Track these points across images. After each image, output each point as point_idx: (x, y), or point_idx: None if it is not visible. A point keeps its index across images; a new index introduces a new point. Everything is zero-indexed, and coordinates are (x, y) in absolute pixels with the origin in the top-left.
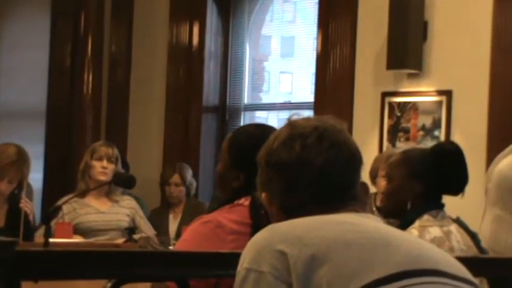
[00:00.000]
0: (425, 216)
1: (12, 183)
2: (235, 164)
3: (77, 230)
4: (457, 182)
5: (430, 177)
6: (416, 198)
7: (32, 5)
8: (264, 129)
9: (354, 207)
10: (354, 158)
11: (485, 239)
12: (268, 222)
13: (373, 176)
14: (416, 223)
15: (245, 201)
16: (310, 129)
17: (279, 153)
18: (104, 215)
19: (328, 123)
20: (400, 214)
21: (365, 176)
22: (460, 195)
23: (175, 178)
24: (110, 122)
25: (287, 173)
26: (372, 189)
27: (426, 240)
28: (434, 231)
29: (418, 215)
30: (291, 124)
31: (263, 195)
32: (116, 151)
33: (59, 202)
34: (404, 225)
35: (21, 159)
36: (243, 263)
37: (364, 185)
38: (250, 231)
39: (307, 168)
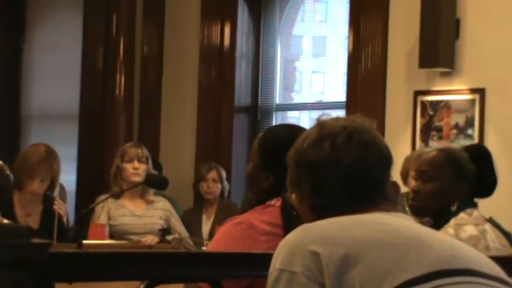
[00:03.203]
0: (461, 215)
1: (44, 182)
2: (265, 165)
3: (111, 231)
4: (493, 185)
5: (474, 179)
6: (461, 199)
7: (64, 7)
8: (294, 130)
9: (385, 207)
10: (384, 157)
11: None
12: (300, 224)
13: (405, 176)
14: (452, 221)
15: (276, 202)
16: (339, 129)
17: (308, 154)
18: (138, 218)
19: (357, 122)
20: (438, 214)
21: (396, 176)
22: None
23: (213, 174)
24: (142, 123)
25: (317, 173)
26: (403, 189)
27: (462, 238)
28: (470, 229)
29: (453, 214)
30: (320, 124)
31: (293, 195)
32: (145, 150)
33: (94, 203)
34: (439, 224)
35: (50, 157)
36: (276, 263)
37: (395, 184)
38: (283, 233)
39: (337, 168)
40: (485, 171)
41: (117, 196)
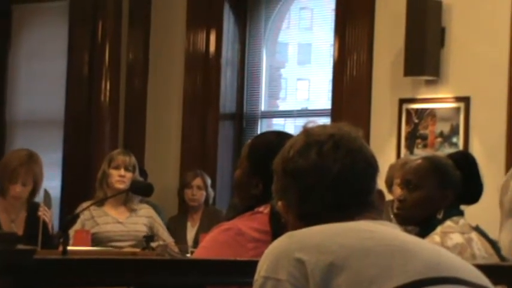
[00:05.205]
0: (447, 223)
1: (26, 186)
2: (255, 171)
3: (95, 239)
4: (478, 192)
5: (459, 186)
6: (447, 207)
7: (50, 14)
8: (284, 137)
9: (371, 215)
10: (370, 165)
11: (505, 249)
12: (288, 231)
13: (389, 184)
14: (438, 229)
15: (265, 209)
16: (326, 136)
17: (295, 161)
18: (122, 225)
19: (344, 130)
20: (423, 222)
21: (381, 184)
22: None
23: (198, 181)
24: (128, 130)
25: (304, 180)
26: (388, 197)
27: (448, 246)
28: (456, 237)
29: (440, 222)
30: (306, 132)
31: (279, 203)
32: (133, 159)
33: (78, 210)
34: (425, 232)
35: (31, 161)
36: (261, 271)
37: (380, 192)
38: (271, 239)
39: (324, 176)
40: (470, 178)
41: (100, 203)
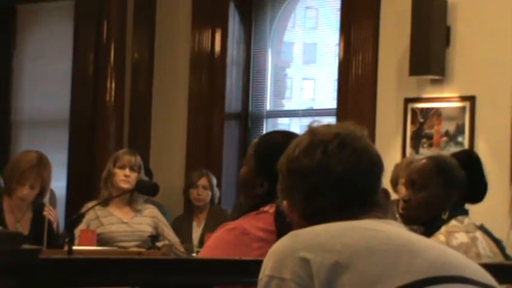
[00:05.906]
0: (452, 222)
1: (34, 189)
2: (260, 171)
3: (100, 239)
4: (483, 190)
5: (464, 186)
6: (452, 206)
7: (55, 14)
8: (290, 137)
9: (377, 214)
10: (375, 164)
11: None
12: (293, 230)
13: (395, 184)
14: (443, 229)
15: (270, 209)
16: (331, 136)
17: (300, 160)
18: (126, 226)
19: (349, 129)
20: (429, 222)
21: (386, 183)
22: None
23: (203, 181)
24: (133, 130)
25: (308, 180)
26: (393, 196)
27: (453, 245)
28: (461, 236)
29: (445, 221)
30: (311, 131)
31: (284, 202)
32: (138, 159)
33: (83, 209)
34: (431, 231)
35: (41, 164)
36: (265, 270)
37: (386, 191)
38: (276, 239)
39: (329, 175)
40: (475, 177)
41: (105, 204)
